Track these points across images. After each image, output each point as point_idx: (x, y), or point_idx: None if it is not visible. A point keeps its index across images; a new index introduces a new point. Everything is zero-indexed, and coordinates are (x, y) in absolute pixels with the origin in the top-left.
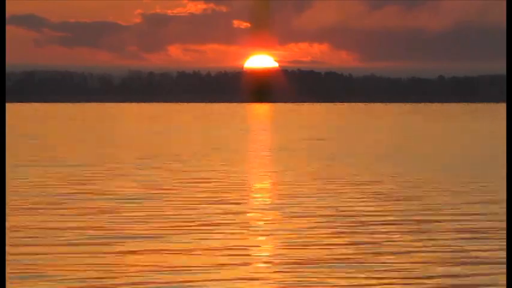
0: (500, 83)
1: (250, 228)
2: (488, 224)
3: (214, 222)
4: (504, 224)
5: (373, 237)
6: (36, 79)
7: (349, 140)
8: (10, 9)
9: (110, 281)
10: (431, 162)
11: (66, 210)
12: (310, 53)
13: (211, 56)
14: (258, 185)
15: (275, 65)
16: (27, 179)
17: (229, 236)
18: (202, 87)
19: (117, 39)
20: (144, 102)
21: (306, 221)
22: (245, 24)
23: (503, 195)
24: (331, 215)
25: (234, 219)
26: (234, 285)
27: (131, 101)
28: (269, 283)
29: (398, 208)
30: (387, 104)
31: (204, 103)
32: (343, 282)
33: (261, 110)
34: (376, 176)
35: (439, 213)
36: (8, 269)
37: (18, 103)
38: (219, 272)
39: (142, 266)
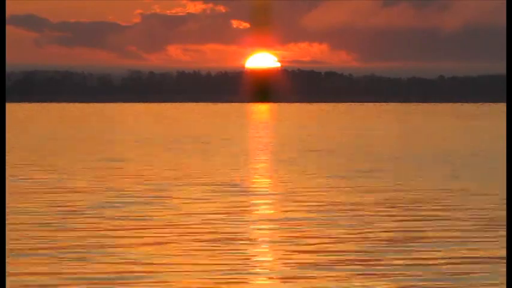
0: (500, 83)
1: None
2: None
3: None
4: None
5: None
6: (36, 79)
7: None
8: (10, 9)
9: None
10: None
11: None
12: (310, 53)
13: (211, 56)
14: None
15: (275, 65)
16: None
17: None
18: (202, 87)
19: (117, 39)
20: (144, 102)
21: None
22: (244, 24)
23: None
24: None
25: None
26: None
27: (131, 101)
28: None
29: (405, 212)
30: (388, 104)
31: (204, 103)
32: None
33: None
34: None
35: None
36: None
37: (18, 103)
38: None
39: (145, 270)
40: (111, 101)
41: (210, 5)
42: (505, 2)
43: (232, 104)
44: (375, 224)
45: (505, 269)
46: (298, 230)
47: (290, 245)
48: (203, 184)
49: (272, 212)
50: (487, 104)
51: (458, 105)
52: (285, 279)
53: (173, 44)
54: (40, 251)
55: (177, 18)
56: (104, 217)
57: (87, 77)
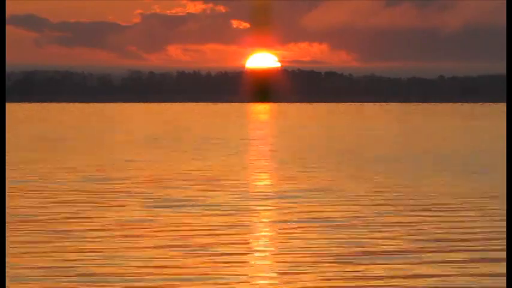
0: (500, 83)
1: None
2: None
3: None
4: None
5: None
6: (36, 79)
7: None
8: (10, 9)
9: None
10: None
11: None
12: (310, 53)
13: (211, 56)
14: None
15: (275, 65)
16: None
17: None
18: (202, 87)
19: (117, 39)
20: (144, 102)
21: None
22: (244, 24)
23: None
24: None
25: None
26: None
27: (131, 101)
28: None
29: (402, 208)
30: (388, 104)
31: (204, 103)
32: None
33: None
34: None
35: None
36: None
37: (18, 103)
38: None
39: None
40: (111, 101)
41: (210, 5)
42: (505, 2)
43: (232, 104)
44: (376, 225)
45: (505, 269)
46: (298, 230)
47: (290, 245)
48: (203, 185)
49: (272, 211)
50: (487, 104)
51: (458, 105)
52: (286, 280)
53: (173, 44)
54: (40, 252)
55: (177, 18)
56: (106, 217)
57: (87, 77)
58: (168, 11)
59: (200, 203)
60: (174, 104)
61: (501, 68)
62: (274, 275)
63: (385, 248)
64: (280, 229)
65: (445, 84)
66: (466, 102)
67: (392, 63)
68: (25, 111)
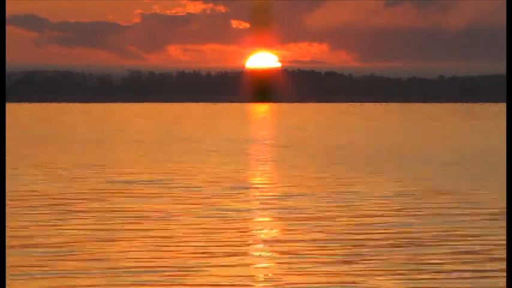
0: (500, 83)
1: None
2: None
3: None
4: None
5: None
6: (36, 79)
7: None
8: (10, 9)
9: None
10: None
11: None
12: (310, 53)
13: (211, 56)
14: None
15: (275, 65)
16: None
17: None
18: (202, 87)
19: (117, 39)
20: (144, 102)
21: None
22: (244, 24)
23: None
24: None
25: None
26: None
27: (131, 101)
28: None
29: (399, 212)
30: (388, 104)
31: (204, 103)
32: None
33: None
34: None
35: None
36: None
37: (18, 103)
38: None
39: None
40: (111, 101)
41: (210, 5)
42: (505, 2)
43: (232, 104)
44: (376, 226)
45: (504, 266)
46: (299, 231)
47: (291, 247)
48: (203, 185)
49: (272, 211)
50: (487, 104)
51: (458, 105)
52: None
53: (173, 44)
54: (40, 253)
55: (177, 18)
56: (108, 217)
57: (87, 77)
58: (168, 11)
59: (200, 202)
60: (174, 104)
61: (501, 68)
62: (274, 275)
63: (386, 247)
64: (281, 230)
65: (445, 84)
66: (466, 102)
67: (392, 63)
68: (25, 111)
